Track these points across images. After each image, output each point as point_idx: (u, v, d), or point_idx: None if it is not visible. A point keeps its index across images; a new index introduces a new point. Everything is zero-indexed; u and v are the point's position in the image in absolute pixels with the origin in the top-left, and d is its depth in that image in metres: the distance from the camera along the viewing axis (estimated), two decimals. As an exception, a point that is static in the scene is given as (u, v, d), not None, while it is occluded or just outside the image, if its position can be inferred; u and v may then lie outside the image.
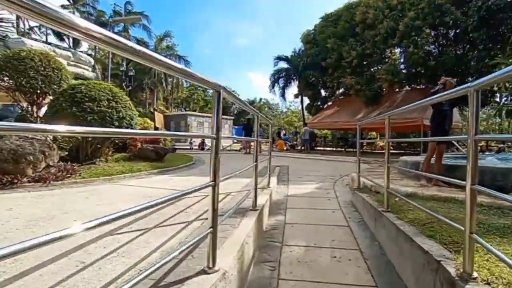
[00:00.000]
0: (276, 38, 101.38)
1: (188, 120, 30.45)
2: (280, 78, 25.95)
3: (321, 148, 23.51)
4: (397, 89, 20.32)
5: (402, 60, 19.39)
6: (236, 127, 33.37)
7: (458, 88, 1.86)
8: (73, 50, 24.30)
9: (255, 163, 3.40)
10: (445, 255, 2.02)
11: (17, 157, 4.43)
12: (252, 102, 56.97)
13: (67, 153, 6.69)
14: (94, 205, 3.51)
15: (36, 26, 29.43)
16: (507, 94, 10.78)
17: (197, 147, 21.65)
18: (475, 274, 1.67)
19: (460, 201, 3.62)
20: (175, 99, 42.63)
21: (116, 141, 8.23)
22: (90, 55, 27.70)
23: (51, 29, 30.23)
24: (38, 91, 7.09)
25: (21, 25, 27.45)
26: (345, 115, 19.77)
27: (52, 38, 29.53)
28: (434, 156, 4.55)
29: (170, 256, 1.45)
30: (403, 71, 18.59)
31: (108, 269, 1.82)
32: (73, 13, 29.55)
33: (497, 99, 17.12)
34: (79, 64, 20.61)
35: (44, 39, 28.70)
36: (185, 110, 36.40)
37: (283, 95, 26.61)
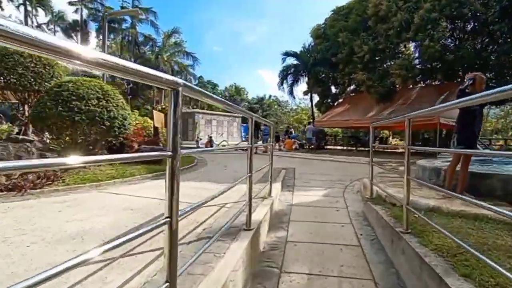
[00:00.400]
0: (285, 35, 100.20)
1: (195, 118, 30.09)
2: (288, 75, 25.22)
3: (331, 147, 22.79)
4: (411, 86, 19.44)
5: (416, 55, 18.46)
6: (245, 124, 32.83)
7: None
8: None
9: (248, 174, 2.87)
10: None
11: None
12: (261, 100, 56.37)
13: (57, 155, 6.29)
14: (64, 222, 3.05)
15: (44, 23, 29.45)
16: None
17: (203, 146, 21.24)
18: None
19: (494, 220, 3.03)
20: (183, 96, 42.27)
21: (113, 142, 7.83)
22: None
23: (59, 26, 30.33)
24: (29, 89, 6.70)
25: (29, 22, 27.48)
26: (356, 113, 19.00)
27: (60, 35, 29.49)
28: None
29: None
30: (418, 66, 17.69)
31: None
32: (81, 10, 29.54)
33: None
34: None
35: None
36: (193, 108, 36.05)
37: (291, 92, 25.87)
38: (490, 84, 12.24)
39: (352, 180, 6.95)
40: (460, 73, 16.72)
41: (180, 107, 1.25)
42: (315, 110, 26.52)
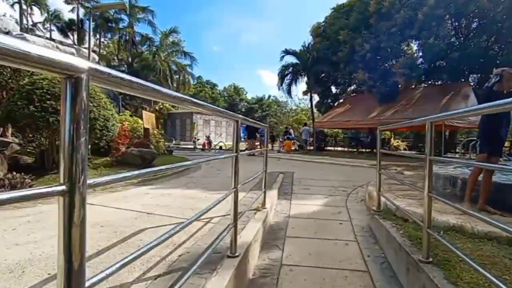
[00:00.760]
0: (285, 36, 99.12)
1: (193, 118, 29.64)
2: (288, 74, 24.63)
3: (332, 148, 22.26)
4: (414, 86, 18.91)
5: (420, 54, 17.92)
6: (244, 125, 32.34)
7: None
8: (76, 47, 23.73)
9: (233, 189, 2.35)
10: None
11: None
12: (260, 100, 55.84)
13: (34, 159, 5.78)
14: (11, 245, 2.54)
15: (40, 22, 28.98)
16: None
17: (201, 147, 20.74)
18: None
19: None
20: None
21: (101, 144, 7.32)
22: (94, 51, 27.05)
23: (55, 25, 29.83)
24: (6, 87, 6.20)
25: (24, 21, 26.98)
26: (357, 113, 18.43)
27: (56, 35, 29.04)
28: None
29: None
30: (421, 65, 17.15)
31: None
32: (77, 9, 29.03)
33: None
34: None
35: (48, 35, 28.24)
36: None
37: (289, 92, 25.22)
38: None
39: (355, 187, 6.43)
40: (466, 72, 16.20)
41: (84, 102, 0.72)
42: (314, 110, 25.97)
